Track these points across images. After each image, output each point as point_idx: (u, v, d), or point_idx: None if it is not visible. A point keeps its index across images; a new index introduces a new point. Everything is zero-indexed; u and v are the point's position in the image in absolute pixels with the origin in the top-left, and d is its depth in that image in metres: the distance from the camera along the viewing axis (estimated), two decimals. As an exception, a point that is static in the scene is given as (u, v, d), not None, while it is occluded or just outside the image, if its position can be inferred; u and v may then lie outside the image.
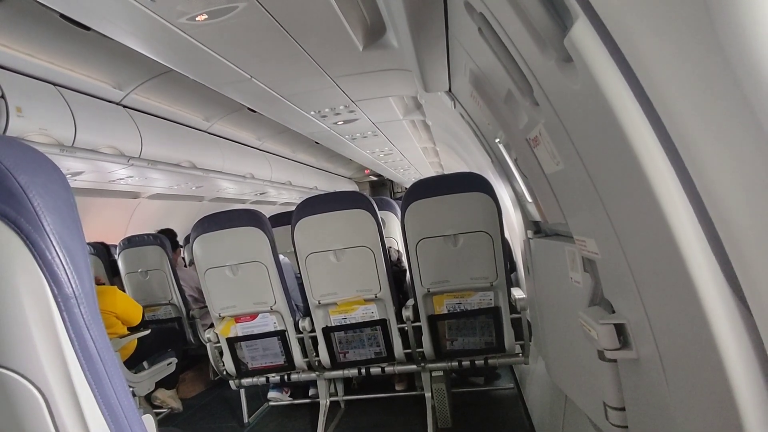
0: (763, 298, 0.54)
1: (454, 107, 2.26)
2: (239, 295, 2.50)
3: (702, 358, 0.68)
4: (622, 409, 1.12)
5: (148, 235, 3.48)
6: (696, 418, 0.77)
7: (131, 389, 2.67)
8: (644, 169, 0.64)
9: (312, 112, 3.08)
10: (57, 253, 0.54)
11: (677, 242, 0.64)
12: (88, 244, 3.76)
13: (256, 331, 2.57)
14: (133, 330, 2.85)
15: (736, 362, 0.62)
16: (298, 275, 2.55)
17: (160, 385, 2.99)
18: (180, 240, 4.11)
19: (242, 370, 2.65)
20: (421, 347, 2.43)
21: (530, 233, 1.96)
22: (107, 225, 4.58)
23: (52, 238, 0.54)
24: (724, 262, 0.61)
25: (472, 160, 3.50)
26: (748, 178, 0.50)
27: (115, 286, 2.96)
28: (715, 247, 0.61)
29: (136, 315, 2.87)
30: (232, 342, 2.60)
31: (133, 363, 2.84)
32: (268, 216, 2.61)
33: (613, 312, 1.06)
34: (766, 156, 0.45)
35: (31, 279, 0.52)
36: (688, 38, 0.48)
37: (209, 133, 4.31)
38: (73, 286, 0.55)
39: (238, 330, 2.57)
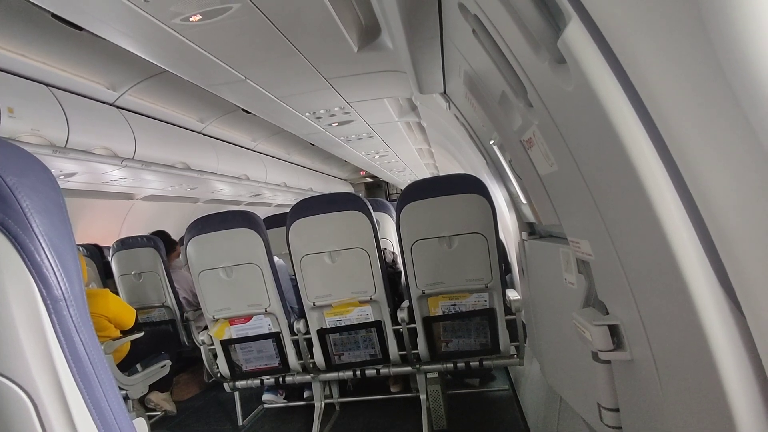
0: (756, 300, 0.55)
1: (449, 109, 2.26)
2: (233, 297, 2.48)
3: (695, 359, 0.68)
4: (616, 410, 1.12)
5: (141, 237, 3.46)
6: (689, 419, 0.77)
7: (124, 392, 2.65)
8: (637, 171, 0.64)
9: (307, 114, 3.08)
10: (46, 255, 0.53)
11: (670, 244, 0.64)
12: (81, 245, 3.74)
13: (250, 333, 2.55)
14: (126, 332, 2.83)
15: (728, 364, 0.62)
16: (293, 277, 2.55)
17: (153, 387, 2.97)
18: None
19: (237, 373, 2.64)
20: (416, 349, 2.43)
21: (525, 234, 1.96)
22: (100, 227, 4.55)
23: (41, 240, 0.53)
24: (716, 263, 0.61)
25: (466, 161, 3.51)
26: (740, 181, 0.50)
27: (107, 289, 2.94)
28: (707, 249, 0.62)
29: (128, 318, 2.84)
30: (227, 344, 2.58)
31: (126, 365, 2.82)
32: (263, 217, 2.60)
33: (607, 313, 1.06)
34: (757, 158, 0.46)
35: (20, 281, 0.52)
36: (681, 40, 0.48)
37: (204, 135, 4.29)
38: (63, 288, 0.54)
39: (233, 332, 2.56)
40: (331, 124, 3.46)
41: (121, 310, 2.81)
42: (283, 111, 2.93)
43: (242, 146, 5.05)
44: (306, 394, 3.01)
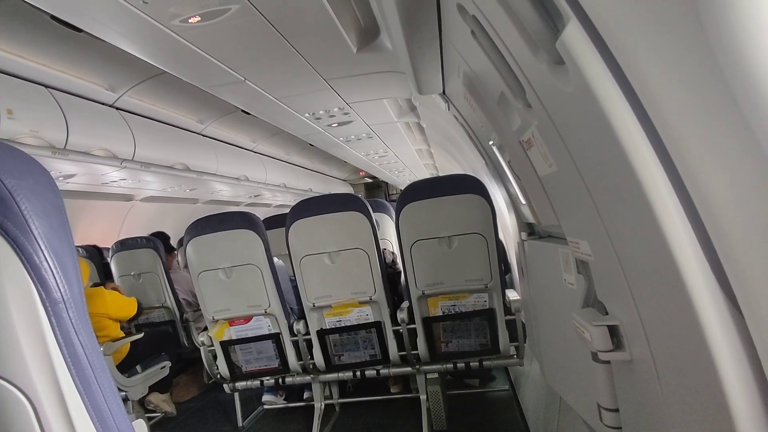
0: (754, 300, 0.55)
1: (448, 109, 2.26)
2: (233, 298, 2.48)
3: (694, 359, 0.68)
4: (616, 410, 1.12)
5: (141, 237, 3.46)
6: (689, 419, 0.77)
7: (124, 394, 2.65)
8: (636, 171, 0.64)
9: (306, 115, 3.08)
10: (45, 258, 0.53)
11: (669, 244, 0.64)
12: (81, 247, 3.74)
13: (250, 334, 2.55)
14: (127, 326, 2.83)
15: (727, 363, 0.62)
16: (293, 278, 2.55)
17: (153, 389, 2.97)
18: (174, 243, 4.09)
19: (236, 374, 2.64)
20: (416, 349, 2.43)
21: (524, 235, 1.97)
22: (100, 228, 4.55)
23: (40, 242, 0.53)
24: (715, 264, 0.61)
25: (466, 161, 3.51)
26: (739, 181, 0.50)
27: (102, 287, 2.93)
28: (706, 249, 0.62)
29: (130, 308, 2.86)
30: (226, 345, 2.58)
31: (126, 367, 2.82)
32: (262, 218, 2.60)
33: (607, 314, 1.06)
34: (755, 158, 0.46)
35: (19, 284, 0.52)
36: (679, 41, 0.48)
37: (203, 135, 4.29)
38: (62, 290, 0.54)
39: (232, 333, 2.56)
40: (330, 125, 3.46)
41: (120, 304, 2.82)
42: (283, 112, 2.93)
43: (242, 147, 5.04)
44: (306, 395, 3.01)
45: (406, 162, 6.31)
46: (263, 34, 1.77)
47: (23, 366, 0.52)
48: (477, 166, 2.75)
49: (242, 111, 3.81)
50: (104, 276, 3.77)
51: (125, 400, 2.67)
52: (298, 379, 2.63)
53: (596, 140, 0.73)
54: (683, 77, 0.50)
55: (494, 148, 1.84)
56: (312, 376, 2.60)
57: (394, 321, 2.43)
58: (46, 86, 2.60)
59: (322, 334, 2.48)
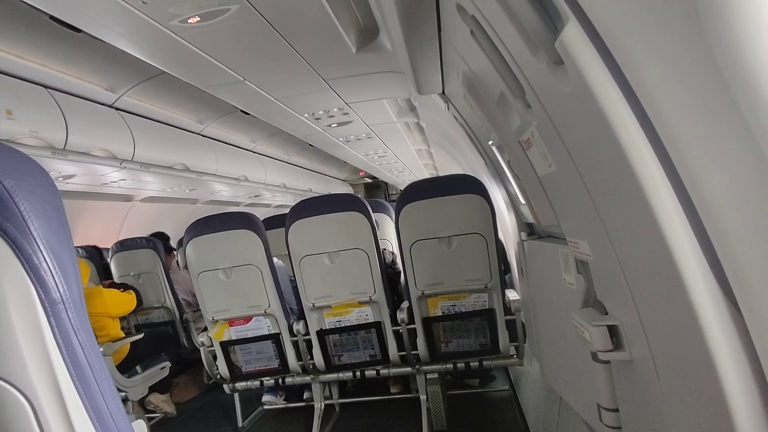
0: (754, 300, 0.55)
1: (448, 109, 2.26)
2: (233, 299, 2.48)
3: (694, 359, 0.68)
4: (616, 410, 1.12)
5: (140, 238, 3.46)
6: (688, 418, 0.77)
7: (124, 394, 2.65)
8: (635, 172, 0.64)
9: (305, 115, 3.08)
10: (44, 258, 0.53)
11: (668, 244, 0.64)
12: (80, 247, 3.74)
13: (250, 335, 2.55)
14: (126, 327, 2.83)
15: (727, 363, 0.62)
16: (293, 278, 2.55)
17: (153, 389, 2.97)
18: (173, 243, 4.09)
19: (236, 374, 2.64)
20: (416, 349, 2.43)
21: (524, 235, 1.97)
22: (100, 228, 4.55)
23: (39, 243, 0.53)
24: (714, 264, 0.61)
25: (465, 162, 3.51)
26: (738, 181, 0.50)
27: (100, 286, 2.93)
28: (705, 249, 0.62)
29: (130, 304, 2.87)
30: (226, 345, 2.58)
31: (126, 367, 2.82)
32: (262, 219, 2.60)
33: (606, 313, 1.06)
34: (755, 158, 0.46)
35: (18, 284, 0.52)
36: (678, 41, 0.48)
37: (203, 136, 4.29)
38: (61, 291, 0.54)
39: (232, 333, 2.56)
40: (330, 125, 3.46)
41: (120, 301, 2.82)
42: (282, 112, 2.93)
43: (241, 147, 5.04)
44: (306, 395, 3.01)
45: (405, 162, 6.31)
46: (263, 35, 1.77)
47: (22, 367, 0.52)
48: (477, 166, 2.75)
49: (242, 111, 3.81)
50: (104, 276, 3.78)
51: (125, 400, 2.67)
52: (298, 380, 2.63)
53: (595, 140, 0.73)
54: (682, 77, 0.50)
55: (494, 148, 1.84)
56: (312, 376, 2.60)
57: (394, 321, 2.43)
58: (46, 86, 2.60)
59: (321, 334, 2.48)
